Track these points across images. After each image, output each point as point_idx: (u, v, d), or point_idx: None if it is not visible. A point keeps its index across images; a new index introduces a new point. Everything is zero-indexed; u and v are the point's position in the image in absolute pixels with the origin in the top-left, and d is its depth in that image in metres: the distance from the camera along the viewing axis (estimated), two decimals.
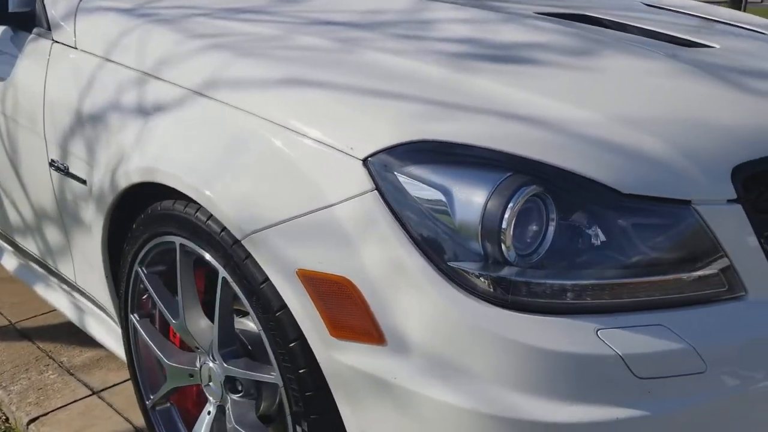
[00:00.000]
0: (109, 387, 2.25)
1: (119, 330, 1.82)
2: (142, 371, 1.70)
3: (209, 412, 1.54)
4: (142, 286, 1.61)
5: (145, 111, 1.50)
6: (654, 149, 1.10)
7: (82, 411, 2.14)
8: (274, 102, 1.26)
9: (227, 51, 1.42)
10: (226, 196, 1.23)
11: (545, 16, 1.60)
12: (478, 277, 1.04)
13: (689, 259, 1.08)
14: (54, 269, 2.09)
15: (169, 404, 1.70)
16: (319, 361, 1.16)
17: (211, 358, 1.48)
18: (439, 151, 1.10)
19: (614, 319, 1.03)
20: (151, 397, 1.69)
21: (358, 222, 1.11)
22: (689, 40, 1.55)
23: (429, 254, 1.06)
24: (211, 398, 1.51)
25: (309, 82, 1.27)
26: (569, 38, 1.44)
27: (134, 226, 1.54)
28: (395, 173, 1.10)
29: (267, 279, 1.23)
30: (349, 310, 1.11)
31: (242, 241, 1.22)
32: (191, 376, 1.55)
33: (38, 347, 2.53)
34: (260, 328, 1.26)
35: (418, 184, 1.09)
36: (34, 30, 1.94)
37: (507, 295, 1.03)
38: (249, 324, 1.51)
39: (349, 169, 1.13)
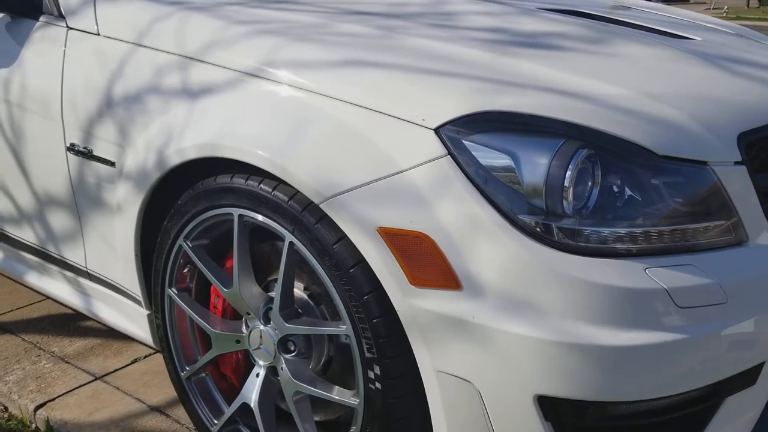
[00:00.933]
0: (112, 372, 2.29)
1: (140, 309, 1.88)
2: (176, 345, 1.78)
3: (258, 375, 1.64)
4: (182, 261, 1.69)
5: (191, 93, 1.59)
6: (677, 118, 1.32)
7: (90, 395, 2.17)
8: (339, 81, 1.40)
9: (277, 36, 1.53)
10: (302, 165, 1.35)
11: (551, 11, 1.81)
12: (544, 227, 1.22)
13: (707, 212, 1.30)
14: (57, 256, 2.11)
15: (204, 374, 1.79)
16: (396, 308, 1.30)
17: (261, 321, 1.59)
18: (502, 120, 1.27)
19: (656, 260, 1.23)
20: (187, 368, 1.77)
21: (433, 184, 1.26)
22: (675, 34, 1.79)
23: (501, 209, 1.23)
24: (260, 361, 1.62)
25: (367, 63, 1.42)
26: (583, 29, 1.65)
27: (180, 202, 1.63)
28: (464, 141, 1.26)
29: (341, 239, 1.36)
30: (427, 261, 1.26)
31: (321, 205, 1.34)
32: (238, 342, 1.65)
33: (23, 339, 2.53)
34: (331, 285, 1.38)
35: (486, 150, 1.26)
36: (42, 18, 1.97)
37: (571, 242, 1.21)
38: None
39: (421, 138, 1.29)
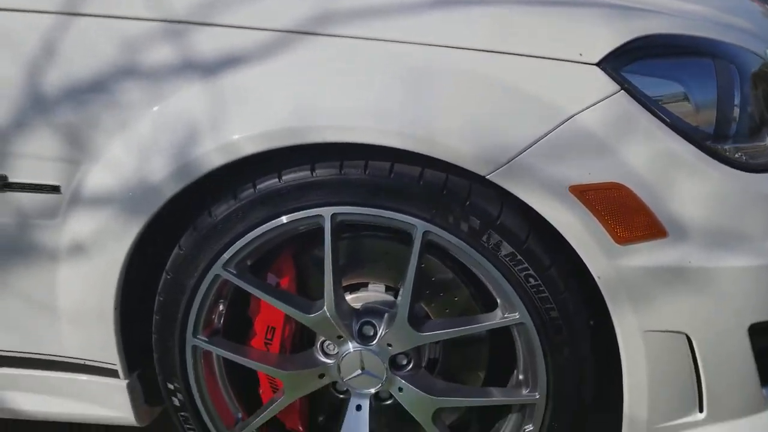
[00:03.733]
0: None
1: (112, 382, 1.39)
2: (208, 410, 1.35)
3: (360, 407, 1.32)
4: (213, 297, 1.27)
5: (206, 67, 1.17)
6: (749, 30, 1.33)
7: None
8: (456, 26, 1.14)
9: None
10: (454, 133, 1.08)
11: None
12: (732, 150, 1.15)
13: None
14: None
15: None
16: (595, 275, 1.13)
17: (357, 341, 1.27)
18: (656, 44, 1.16)
19: None
20: None
21: (613, 125, 1.10)
22: None
23: (692, 139, 1.13)
24: (362, 389, 1.30)
25: (471, 2, 1.18)
26: None
27: (215, 218, 1.21)
28: (626, 73, 1.13)
29: (501, 212, 1.13)
30: (630, 214, 1.11)
31: (491, 176, 1.09)
32: (322, 376, 1.30)
33: None
34: (493, 268, 1.15)
35: (653, 78, 1.14)
36: None
37: (751, 161, 1.17)
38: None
39: (583, 76, 1.11)
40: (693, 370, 1.20)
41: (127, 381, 1.38)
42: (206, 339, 1.29)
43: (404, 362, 1.30)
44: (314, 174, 1.16)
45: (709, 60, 1.17)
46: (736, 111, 1.18)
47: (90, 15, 1.20)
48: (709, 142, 1.14)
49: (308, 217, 1.18)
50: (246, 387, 1.41)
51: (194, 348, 1.30)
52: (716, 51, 1.19)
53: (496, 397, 1.27)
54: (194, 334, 1.29)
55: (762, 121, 1.22)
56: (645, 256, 1.12)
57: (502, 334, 1.31)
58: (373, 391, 1.30)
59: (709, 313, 1.16)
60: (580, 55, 1.12)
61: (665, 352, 1.17)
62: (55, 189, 1.25)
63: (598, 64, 1.11)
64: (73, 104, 1.21)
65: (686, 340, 1.17)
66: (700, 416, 1.24)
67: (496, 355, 1.36)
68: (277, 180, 1.17)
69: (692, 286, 1.14)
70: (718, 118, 1.16)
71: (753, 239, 1.14)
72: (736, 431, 1.26)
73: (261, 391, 1.39)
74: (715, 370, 1.20)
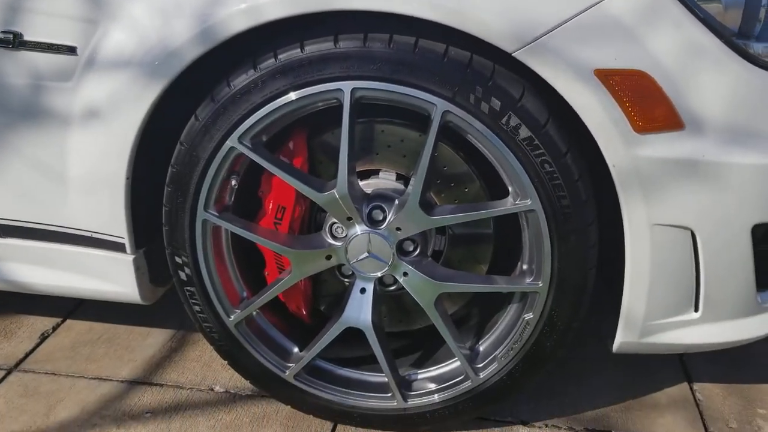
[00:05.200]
0: (23, 358, 1.69)
1: (119, 256, 1.40)
2: (215, 286, 1.36)
3: (364, 290, 1.34)
4: (226, 171, 1.27)
5: None
6: None
7: (21, 393, 1.58)
8: None
9: None
10: (485, 6, 1.07)
11: None
12: (757, 49, 1.15)
13: None
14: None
15: (255, 314, 1.41)
16: (610, 163, 1.14)
17: (367, 224, 1.28)
18: None
19: None
20: (237, 311, 1.37)
21: (642, 11, 1.09)
22: None
23: (720, 33, 1.12)
24: (366, 273, 1.32)
25: None
26: None
27: (233, 88, 1.20)
28: None
29: (523, 94, 1.13)
30: (652, 102, 1.11)
31: (517, 53, 1.09)
32: (329, 257, 1.32)
33: None
34: (510, 153, 1.16)
35: None
36: None
37: None
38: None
39: None
40: (694, 268, 1.22)
41: (133, 256, 1.39)
42: (217, 214, 1.29)
43: (410, 248, 1.32)
44: (337, 45, 1.15)
45: None
46: (763, 12, 1.17)
47: None
48: (734, 38, 1.14)
49: (328, 90, 1.17)
50: (252, 268, 1.42)
51: (204, 222, 1.30)
52: None
53: (500, 284, 1.28)
54: (206, 207, 1.29)
55: None
56: (660, 146, 1.13)
57: (508, 231, 1.33)
58: (378, 274, 1.31)
59: (715, 209, 1.17)
60: None
61: (669, 247, 1.19)
62: (71, 50, 1.23)
63: None
64: None
65: (691, 237, 1.19)
66: (695, 315, 1.27)
67: (500, 251, 1.38)
68: (299, 50, 1.16)
69: (703, 181, 1.15)
70: (744, 17, 1.16)
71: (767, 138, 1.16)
72: (725, 334, 1.30)
73: (266, 272, 1.41)
74: (715, 270, 1.22)
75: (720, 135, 1.14)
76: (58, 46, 1.23)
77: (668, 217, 1.17)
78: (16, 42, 1.24)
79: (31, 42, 1.24)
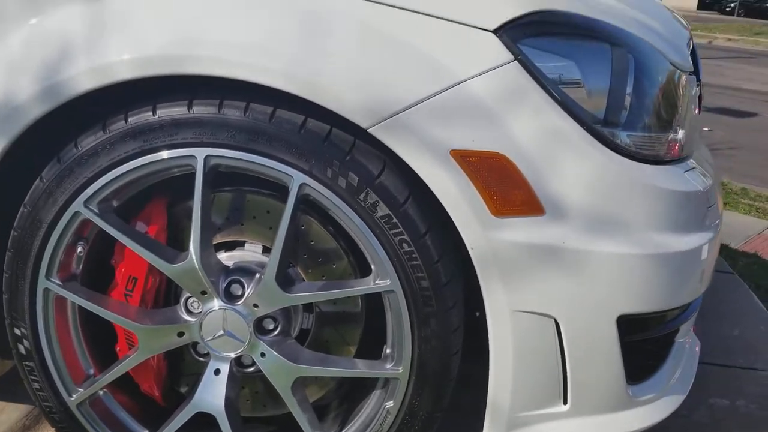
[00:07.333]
0: None
1: None
2: (55, 361, 1.25)
3: (218, 371, 1.25)
4: (72, 238, 1.19)
5: None
6: (659, 31, 1.34)
7: None
8: None
9: None
10: (341, 79, 1.04)
11: None
12: (617, 137, 1.15)
13: None
14: None
15: (102, 393, 1.30)
16: (469, 246, 1.10)
17: (224, 300, 1.21)
18: (561, 22, 1.14)
19: (683, 164, 1.26)
20: (79, 389, 1.26)
21: (502, 94, 1.09)
22: None
23: (581, 120, 1.12)
24: (222, 352, 1.23)
25: None
26: None
27: (80, 150, 1.13)
28: (525, 45, 1.11)
29: (382, 171, 1.10)
30: (510, 186, 1.08)
31: (372, 129, 1.05)
32: (181, 334, 1.23)
33: None
34: (368, 230, 1.11)
35: (549, 54, 1.13)
36: None
37: (638, 151, 1.17)
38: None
39: (479, 41, 1.09)
40: (559, 359, 1.18)
41: None
42: (60, 282, 1.20)
43: (270, 327, 1.24)
44: (191, 111, 1.10)
45: (606, 46, 1.17)
46: (629, 100, 1.17)
47: None
48: (597, 126, 1.13)
49: (180, 156, 1.11)
50: (106, 343, 1.32)
51: (46, 291, 1.21)
52: (616, 38, 1.18)
53: (359, 369, 1.21)
54: (47, 275, 1.20)
55: (661, 115, 1.22)
56: (520, 231, 1.10)
57: (378, 312, 1.27)
58: (233, 355, 1.23)
59: (578, 298, 1.14)
60: (479, 20, 1.09)
61: (532, 335, 1.15)
62: None
63: (495, 32, 1.09)
64: None
65: (554, 325, 1.15)
66: (564, 408, 1.22)
67: (370, 334, 1.31)
68: (151, 113, 1.11)
69: (564, 268, 1.12)
70: (608, 104, 1.16)
71: (631, 228, 1.14)
72: (597, 429, 1.25)
73: (118, 348, 1.31)
74: (582, 361, 1.18)
75: (582, 222, 1.12)
76: None
77: (529, 304, 1.13)
78: None
79: None
